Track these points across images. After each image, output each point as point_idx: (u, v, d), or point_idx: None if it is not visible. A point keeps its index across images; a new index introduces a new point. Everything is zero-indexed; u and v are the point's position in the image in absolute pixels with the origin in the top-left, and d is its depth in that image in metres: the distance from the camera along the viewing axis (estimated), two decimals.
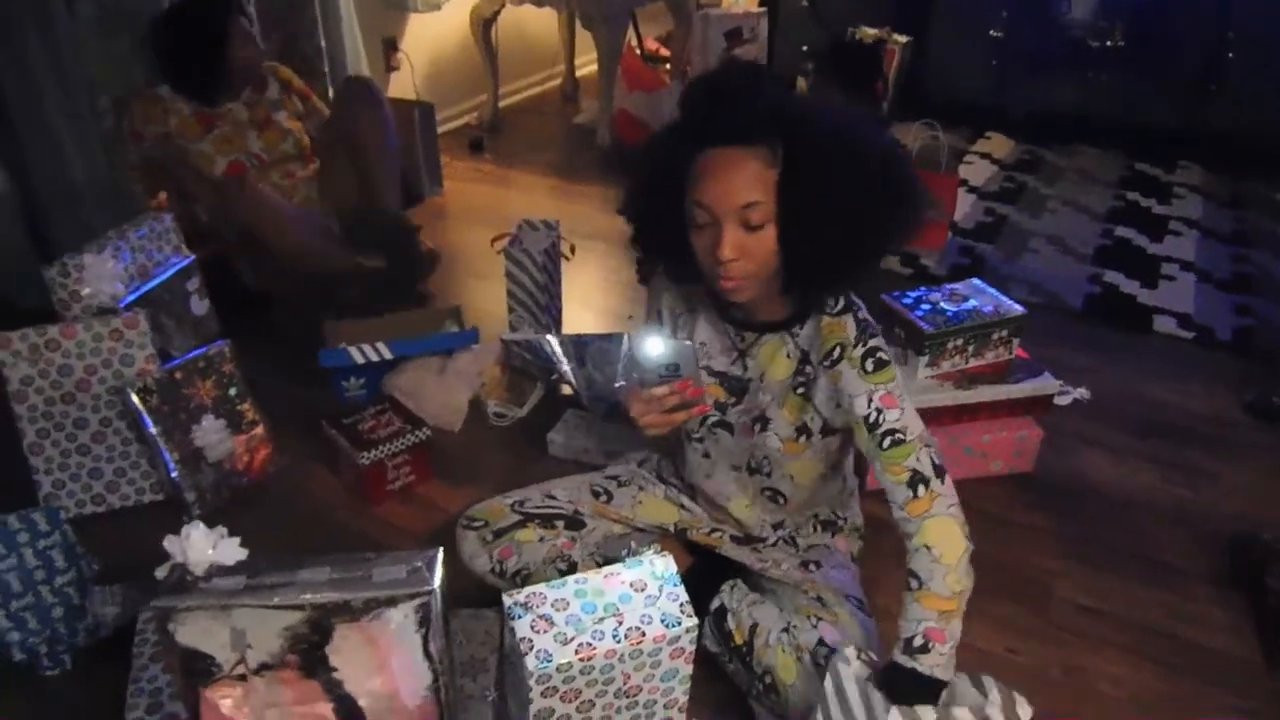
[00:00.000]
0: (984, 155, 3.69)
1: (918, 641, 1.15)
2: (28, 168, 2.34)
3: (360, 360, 1.98)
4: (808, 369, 1.30)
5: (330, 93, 3.07)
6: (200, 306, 1.96)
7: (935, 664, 1.14)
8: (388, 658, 1.11)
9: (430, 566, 1.04)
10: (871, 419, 1.23)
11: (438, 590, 1.02)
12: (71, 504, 1.72)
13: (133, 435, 1.72)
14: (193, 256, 1.95)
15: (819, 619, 1.29)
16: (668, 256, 1.31)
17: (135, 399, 1.65)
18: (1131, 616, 1.57)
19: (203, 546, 1.02)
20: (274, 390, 2.01)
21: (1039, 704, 1.38)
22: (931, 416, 1.81)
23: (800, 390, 1.31)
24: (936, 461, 1.22)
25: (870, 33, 3.97)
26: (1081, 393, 2.14)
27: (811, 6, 4.09)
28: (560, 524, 1.49)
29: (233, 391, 1.78)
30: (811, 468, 1.39)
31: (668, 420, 1.26)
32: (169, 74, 2.29)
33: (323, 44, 3.02)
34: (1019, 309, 1.86)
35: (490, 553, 1.46)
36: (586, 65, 4.39)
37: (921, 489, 1.20)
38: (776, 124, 1.13)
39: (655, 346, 1.22)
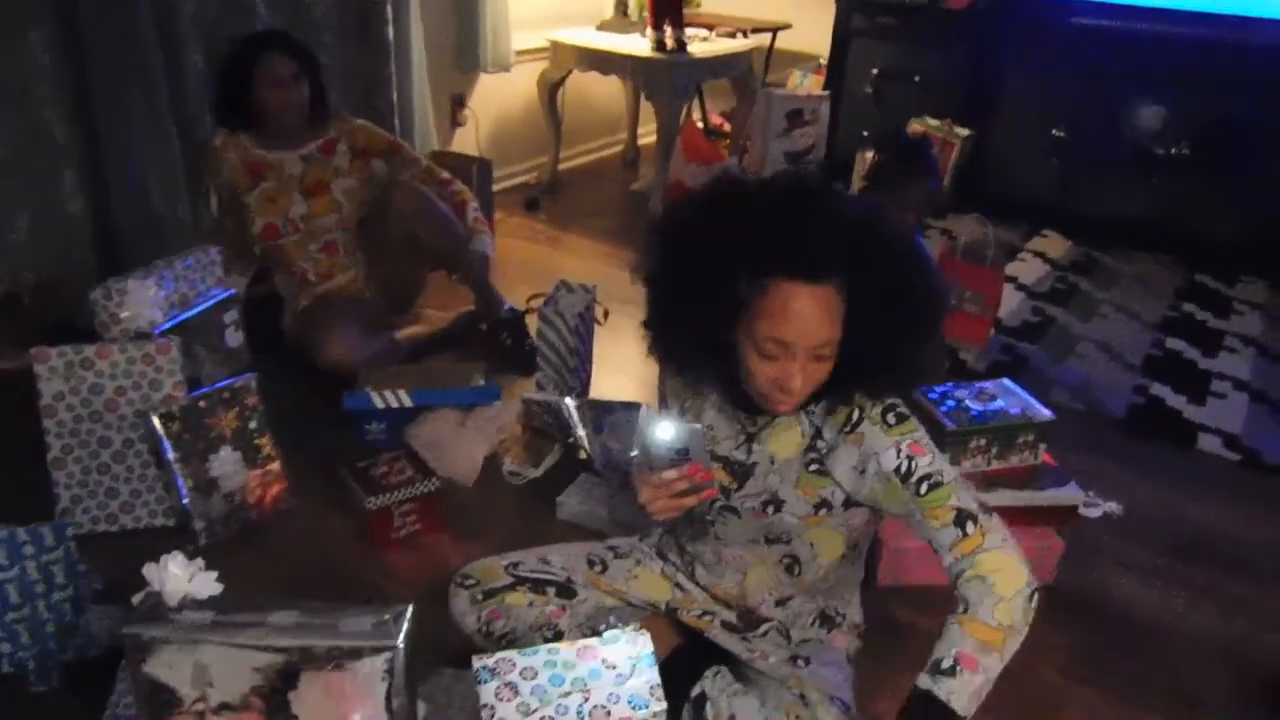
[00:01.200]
0: (1038, 254, 3.65)
1: (945, 664, 1.08)
2: (110, 194, 2.45)
3: (381, 405, 2.01)
4: (820, 444, 1.28)
5: None
6: (234, 339, 2.02)
7: (955, 692, 1.07)
8: (349, 711, 1.10)
9: (397, 621, 1.03)
10: (903, 469, 1.21)
11: (401, 646, 1.01)
12: (86, 520, 1.76)
13: (152, 459, 1.76)
14: (234, 290, 2.01)
15: (798, 718, 1.25)
16: (693, 367, 1.31)
17: (157, 423, 1.69)
18: None
19: (180, 577, 1.03)
20: (302, 429, 2.06)
21: None
22: None
23: (814, 467, 1.29)
24: (980, 498, 1.19)
25: (932, 124, 3.98)
26: (1112, 507, 2.07)
27: (875, 94, 4.13)
28: (551, 590, 1.47)
29: (253, 425, 1.82)
30: (832, 539, 1.36)
31: (676, 505, 1.24)
32: (219, 110, 2.31)
33: (395, 98, 3.14)
34: (1047, 413, 1.81)
35: (479, 613, 1.45)
36: (649, 134, 4.47)
37: (970, 525, 1.15)
38: (849, 255, 1.14)
39: (665, 430, 1.21)
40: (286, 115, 2.25)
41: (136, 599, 1.04)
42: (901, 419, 1.24)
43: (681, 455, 1.22)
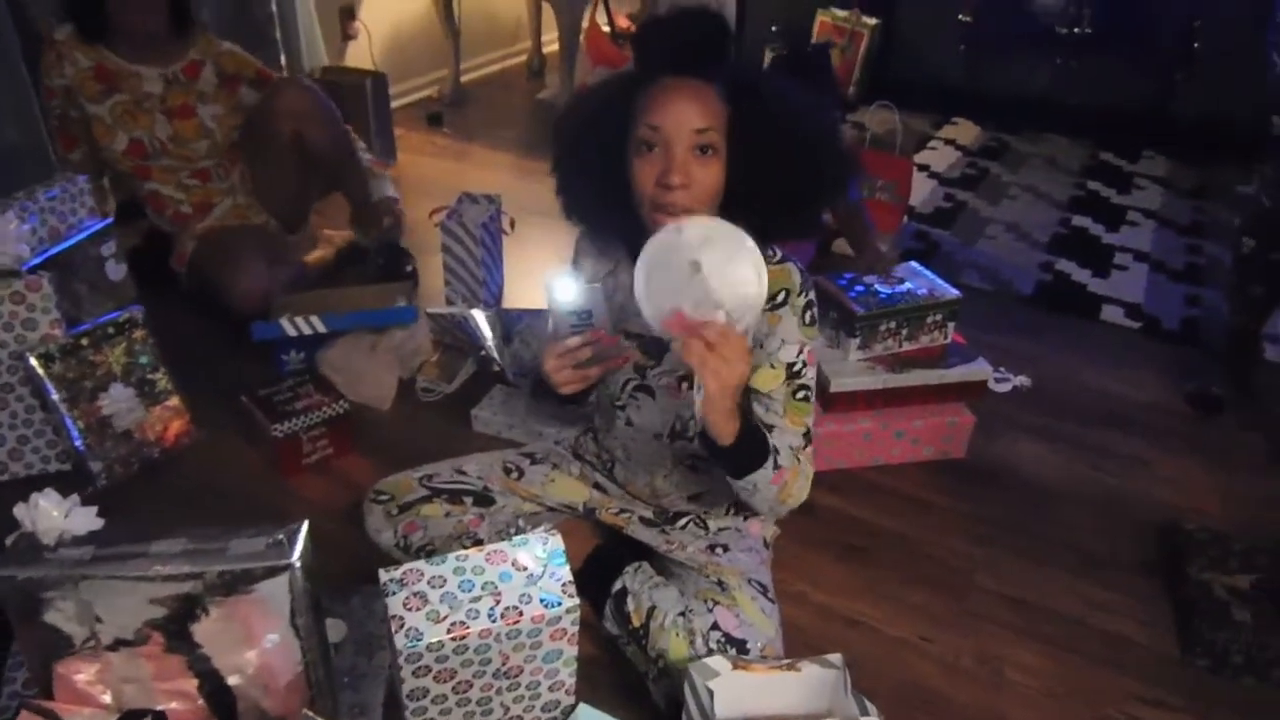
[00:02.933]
0: (949, 141, 3.66)
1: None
2: None
3: (293, 333, 1.92)
4: None
5: (283, 64, 3.01)
6: (116, 271, 1.90)
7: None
8: (257, 634, 1.07)
9: (291, 540, 1.00)
10: (796, 368, 1.27)
11: (297, 564, 0.98)
12: None
13: (36, 402, 1.67)
14: (110, 219, 1.88)
15: (716, 603, 1.26)
16: (598, 205, 1.29)
17: (36, 364, 1.60)
18: (1050, 606, 1.54)
19: (53, 514, 0.98)
20: (214, 365, 1.98)
21: (951, 693, 1.37)
22: (862, 400, 1.78)
23: None
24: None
25: (839, 15, 3.92)
26: (1022, 380, 2.11)
27: None
28: (469, 500, 1.45)
29: (144, 360, 1.73)
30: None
31: (581, 376, 1.21)
32: (67, 7, 2.06)
33: (274, 9, 2.95)
34: (954, 292, 1.82)
35: (395, 527, 1.42)
36: (554, 41, 4.33)
37: (809, 446, 1.29)
38: (729, 67, 1.19)
39: (566, 291, 1.16)
40: (139, 26, 2.05)
41: (9, 540, 0.98)
42: (814, 321, 1.30)
43: (584, 319, 1.18)
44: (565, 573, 1.12)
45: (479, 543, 1.40)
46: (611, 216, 1.27)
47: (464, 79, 3.91)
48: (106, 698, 1.03)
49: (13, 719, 0.97)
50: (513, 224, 2.30)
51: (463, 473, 1.49)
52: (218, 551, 0.97)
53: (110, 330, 1.70)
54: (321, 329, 1.92)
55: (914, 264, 1.94)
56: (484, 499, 1.46)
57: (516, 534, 1.29)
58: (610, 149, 1.22)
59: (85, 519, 0.99)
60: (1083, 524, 1.73)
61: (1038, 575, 1.60)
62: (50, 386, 1.61)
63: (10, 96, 2.25)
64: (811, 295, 1.29)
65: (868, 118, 2.97)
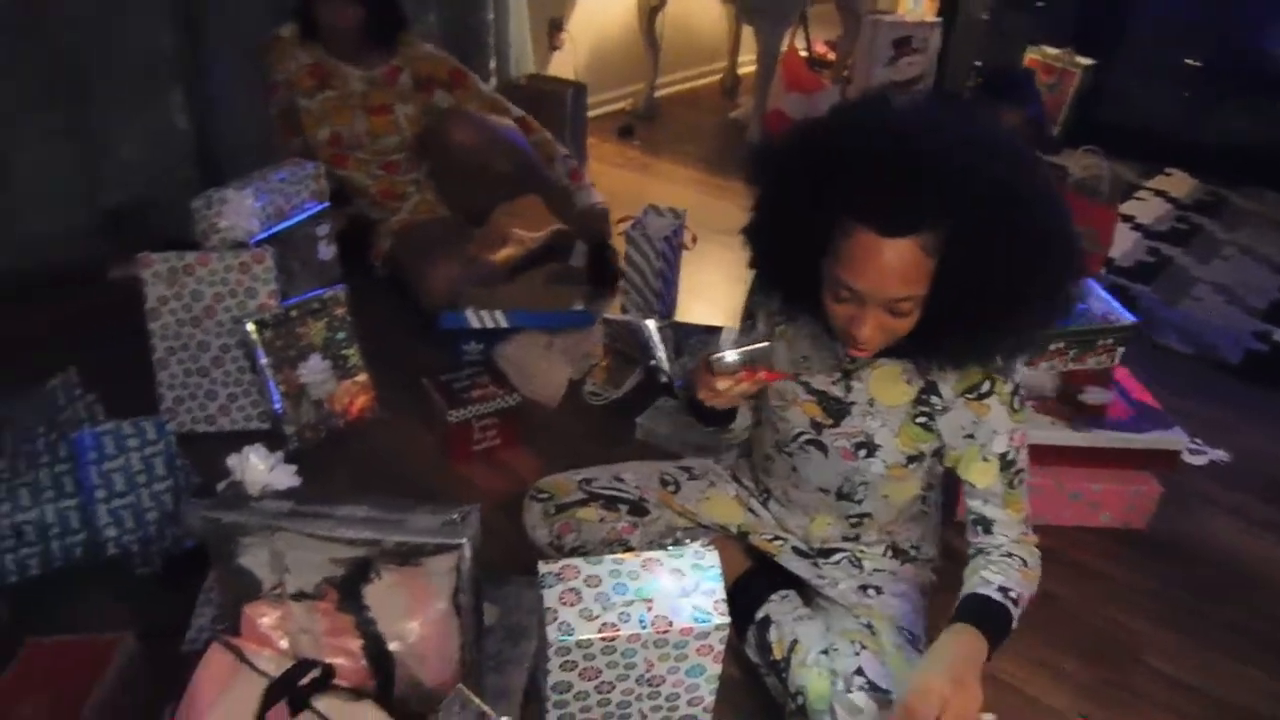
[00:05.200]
0: (1159, 192, 3.43)
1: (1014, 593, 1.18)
2: (212, 111, 2.53)
3: (476, 325, 2.03)
4: (934, 400, 1.24)
5: (493, 69, 3.17)
6: (327, 252, 2.06)
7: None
8: (422, 606, 1.13)
9: (465, 521, 1.05)
10: (1009, 457, 1.24)
11: (467, 545, 1.03)
12: (188, 420, 1.84)
13: (247, 365, 1.82)
14: (327, 204, 2.04)
15: (863, 646, 1.23)
16: (786, 279, 1.24)
17: (251, 330, 1.75)
18: (1223, 694, 1.42)
19: (260, 468, 1.07)
20: (399, 347, 2.10)
21: None
22: (1037, 456, 1.69)
23: (922, 420, 1.25)
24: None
25: (1051, 54, 3.76)
26: (1219, 454, 1.96)
27: (993, 21, 3.90)
28: (624, 508, 1.48)
29: (341, 336, 1.86)
30: (909, 489, 1.35)
31: (729, 396, 1.20)
32: (297, 9, 2.25)
33: (491, 18, 3.12)
34: (1129, 318, 1.71)
35: (550, 526, 1.47)
36: (750, 62, 4.36)
37: (1031, 532, 1.27)
38: (944, 209, 1.03)
39: (728, 356, 1.15)
40: (339, 34, 2.21)
41: (220, 486, 1.08)
42: (1022, 406, 1.24)
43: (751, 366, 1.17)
44: (719, 589, 1.12)
45: (630, 551, 1.43)
46: (799, 292, 1.21)
47: (658, 94, 4.00)
48: (284, 643, 1.11)
49: (202, 650, 1.06)
50: (694, 239, 2.33)
51: (620, 480, 1.52)
52: (397, 523, 1.03)
53: (315, 306, 1.83)
54: (504, 323, 2.01)
55: (1094, 282, 1.83)
56: (639, 509, 1.49)
57: (673, 545, 1.30)
58: (805, 251, 1.14)
59: (286, 476, 1.08)
60: (1272, 613, 1.58)
61: (1220, 664, 1.48)
62: (261, 352, 1.76)
63: (249, 100, 2.50)
64: (1017, 379, 1.22)
65: (1072, 161, 2.83)
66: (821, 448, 1.33)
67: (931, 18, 3.92)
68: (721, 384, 1.18)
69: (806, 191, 1.10)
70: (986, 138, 1.09)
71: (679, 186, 3.28)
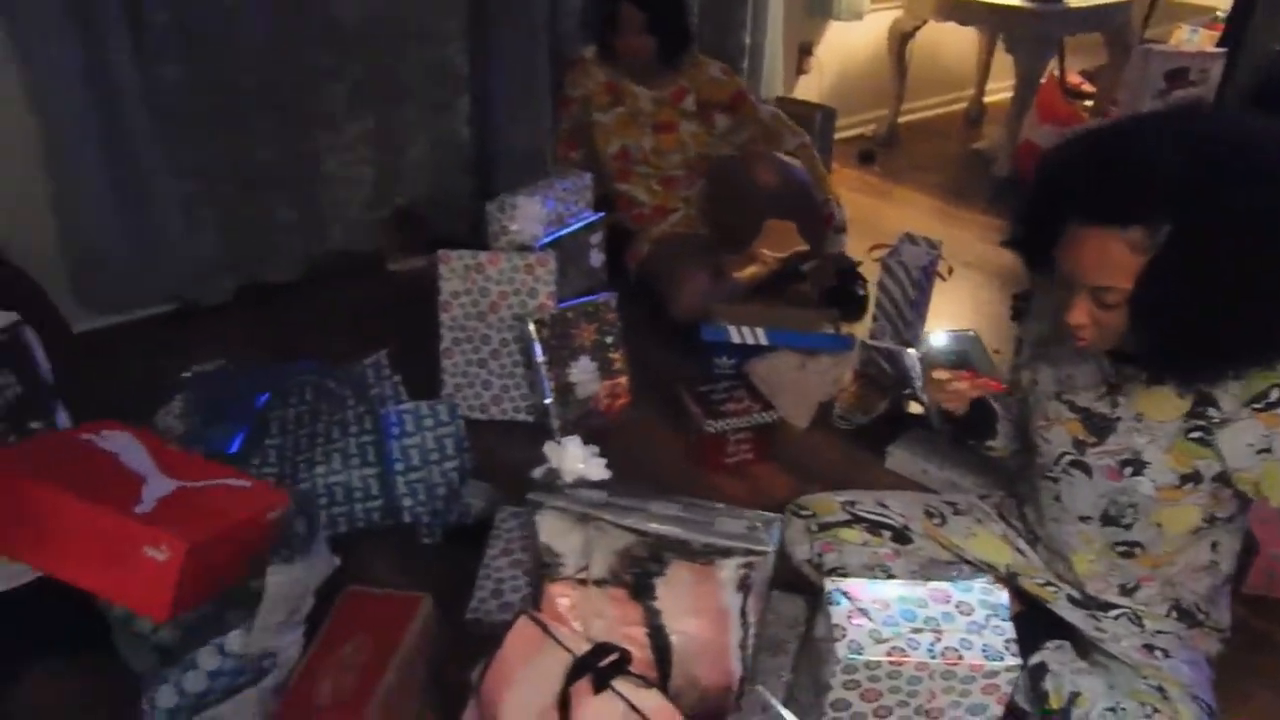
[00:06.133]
0: None
1: None
2: (489, 126, 2.73)
3: (737, 340, 2.08)
4: (1211, 412, 1.16)
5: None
6: (597, 259, 2.18)
7: None
8: (709, 605, 1.17)
9: (769, 529, 1.08)
10: None
11: (771, 552, 1.06)
12: (463, 407, 1.99)
13: (522, 360, 1.95)
14: (602, 214, 2.16)
15: (1155, 710, 1.17)
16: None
17: (532, 328, 1.87)
18: None
19: (576, 457, 1.15)
20: (647, 351, 2.19)
21: None
22: None
23: (1196, 435, 1.18)
24: None
25: None
26: None
27: None
28: (887, 534, 1.48)
29: (609, 340, 1.96)
30: (1186, 518, 1.24)
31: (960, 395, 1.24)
32: (597, 32, 2.47)
33: (747, 42, 3.19)
34: None
35: (812, 543, 1.48)
36: (997, 92, 4.22)
37: None
38: (1169, 204, 1.02)
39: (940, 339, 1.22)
40: (632, 61, 2.39)
41: (537, 473, 1.17)
42: None
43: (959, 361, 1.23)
44: (1009, 629, 1.11)
45: (891, 578, 1.42)
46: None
47: (900, 120, 3.94)
48: (577, 625, 1.19)
49: (511, 623, 1.15)
50: (950, 271, 2.29)
51: (885, 506, 1.52)
52: (705, 524, 1.08)
53: (589, 309, 1.94)
54: (763, 341, 2.04)
55: None
56: (902, 537, 1.48)
57: (960, 577, 1.29)
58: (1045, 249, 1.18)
59: (598, 468, 1.16)
60: None
61: None
62: (539, 348, 1.88)
63: (528, 113, 2.69)
64: None
65: None
66: (1085, 469, 1.28)
67: (1210, 48, 3.65)
68: (939, 374, 1.19)
69: (1047, 189, 1.17)
70: (1231, 148, 1.03)
71: (918, 214, 3.22)
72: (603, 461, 1.17)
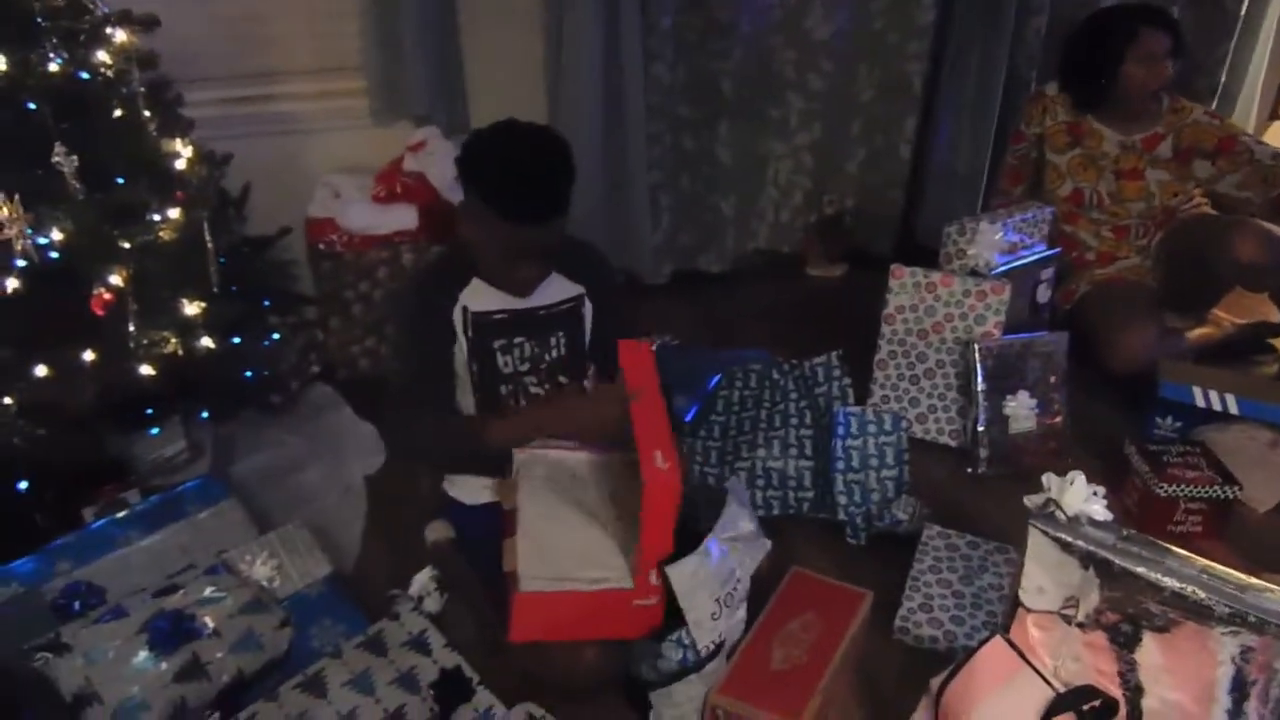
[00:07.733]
0: None
1: None
2: (930, 148, 2.74)
3: (1202, 404, 1.89)
4: None
5: None
6: (1044, 295, 2.11)
7: None
8: (1191, 680, 1.11)
9: None
10: None
11: None
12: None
13: (956, 383, 1.94)
14: (1058, 250, 2.09)
15: None
16: None
17: (976, 354, 1.86)
18: None
19: (1080, 494, 1.13)
20: (1075, 394, 2.08)
21: None
22: None
23: None
24: None
25: None
26: None
27: None
28: None
29: (1052, 379, 1.90)
30: None
31: None
32: (1062, 69, 2.29)
33: (1222, 79, 2.90)
34: None
35: None
36: None
37: None
38: None
39: None
40: (1147, 94, 2.18)
41: (1032, 501, 1.17)
42: None
43: None
44: None
45: None
46: None
47: None
48: (1048, 660, 1.17)
49: (982, 643, 1.16)
50: None
51: None
52: (1234, 595, 1.02)
53: (1040, 346, 1.89)
54: (1233, 410, 1.86)
55: None
56: None
57: None
58: None
59: (1100, 508, 1.13)
60: None
61: None
62: (981, 375, 1.86)
63: (972, 138, 2.65)
64: None
65: None
66: None
67: None
68: None
69: None
70: None
71: None
72: (1103, 503, 1.14)
